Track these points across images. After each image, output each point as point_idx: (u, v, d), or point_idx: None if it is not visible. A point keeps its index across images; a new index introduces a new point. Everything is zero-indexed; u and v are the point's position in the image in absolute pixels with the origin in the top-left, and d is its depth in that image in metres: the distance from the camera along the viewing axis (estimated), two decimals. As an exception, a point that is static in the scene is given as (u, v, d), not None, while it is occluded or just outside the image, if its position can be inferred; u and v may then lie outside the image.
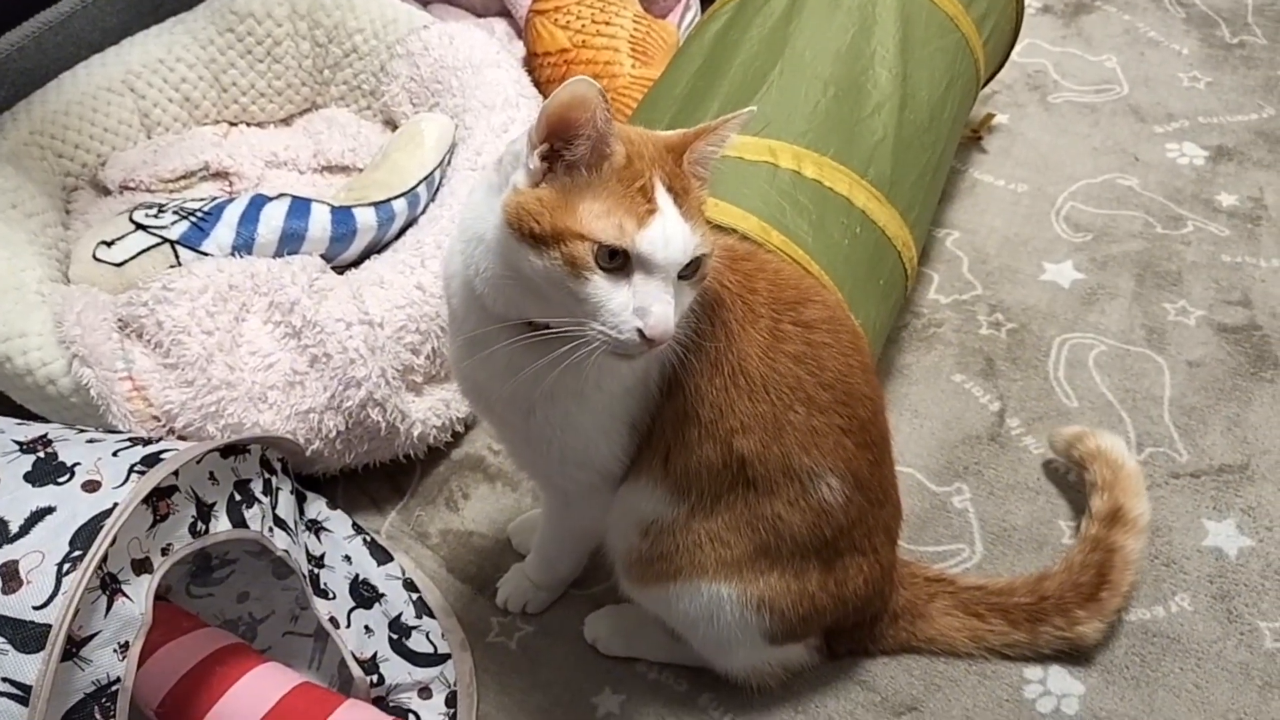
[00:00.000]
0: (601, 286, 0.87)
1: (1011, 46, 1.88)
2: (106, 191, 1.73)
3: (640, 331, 0.87)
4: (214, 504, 1.10)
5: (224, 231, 1.51)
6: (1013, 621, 1.22)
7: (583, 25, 1.89)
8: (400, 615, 1.26)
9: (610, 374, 0.98)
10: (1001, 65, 1.90)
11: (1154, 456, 1.45)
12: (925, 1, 1.55)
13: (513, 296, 0.92)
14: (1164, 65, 2.13)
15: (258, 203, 1.54)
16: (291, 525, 1.21)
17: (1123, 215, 1.81)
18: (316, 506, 1.34)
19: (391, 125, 1.87)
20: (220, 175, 1.77)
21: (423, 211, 1.64)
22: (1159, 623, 1.28)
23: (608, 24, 1.90)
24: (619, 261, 0.87)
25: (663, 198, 0.88)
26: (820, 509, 1.06)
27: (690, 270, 0.90)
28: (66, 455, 1.05)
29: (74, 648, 0.93)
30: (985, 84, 1.84)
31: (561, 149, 0.87)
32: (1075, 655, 1.24)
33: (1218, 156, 1.92)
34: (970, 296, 1.69)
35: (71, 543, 0.94)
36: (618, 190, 0.87)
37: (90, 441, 1.08)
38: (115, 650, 0.96)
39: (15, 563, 0.93)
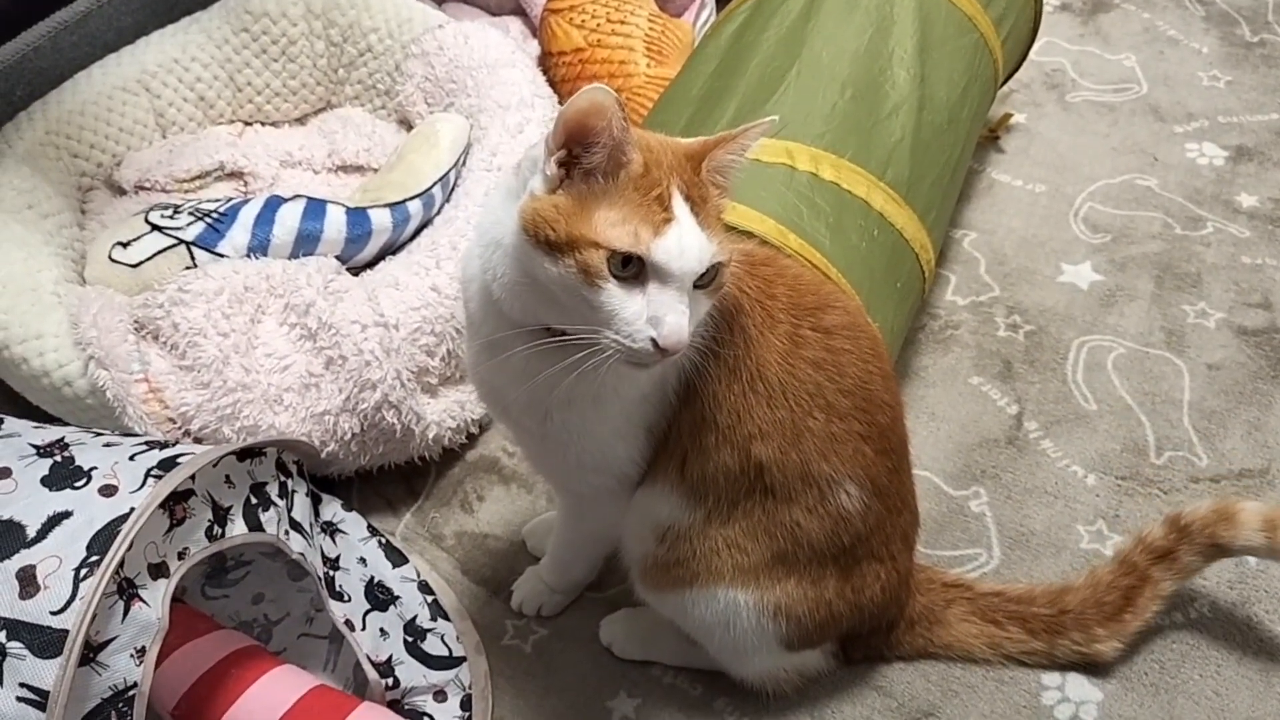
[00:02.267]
0: (616, 295, 0.86)
1: (1030, 45, 1.86)
2: (122, 192, 1.73)
3: (654, 341, 0.86)
4: (230, 507, 1.10)
5: (239, 233, 1.51)
6: (1031, 631, 1.21)
7: (598, 24, 1.88)
8: (415, 618, 1.26)
9: (627, 380, 0.98)
10: (1020, 64, 1.89)
11: (1173, 460, 1.44)
12: (943, 1, 1.53)
13: (529, 302, 0.92)
14: (1183, 64, 2.11)
15: (273, 204, 1.54)
16: (307, 528, 1.21)
17: (1141, 216, 1.80)
18: (332, 508, 1.34)
19: (406, 125, 1.87)
20: (235, 175, 1.78)
21: (438, 212, 1.64)
22: (1179, 629, 1.27)
23: (623, 23, 1.89)
24: (634, 270, 0.86)
25: (679, 207, 0.88)
26: (839, 516, 1.06)
27: (706, 279, 0.90)
28: (83, 459, 1.05)
29: (91, 653, 0.93)
30: (1003, 83, 1.83)
31: (579, 156, 0.87)
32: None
33: (1238, 157, 1.90)
34: (988, 298, 1.68)
35: (89, 547, 0.94)
36: (634, 198, 0.87)
37: (107, 445, 1.08)
38: (132, 655, 0.96)
39: (33, 567, 0.93)
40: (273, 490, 1.17)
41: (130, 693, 0.95)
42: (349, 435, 1.36)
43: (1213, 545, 1.18)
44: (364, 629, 1.19)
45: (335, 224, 1.55)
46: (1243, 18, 2.22)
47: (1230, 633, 1.26)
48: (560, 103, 1.79)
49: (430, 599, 1.30)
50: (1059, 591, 1.22)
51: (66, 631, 0.90)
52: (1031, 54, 1.90)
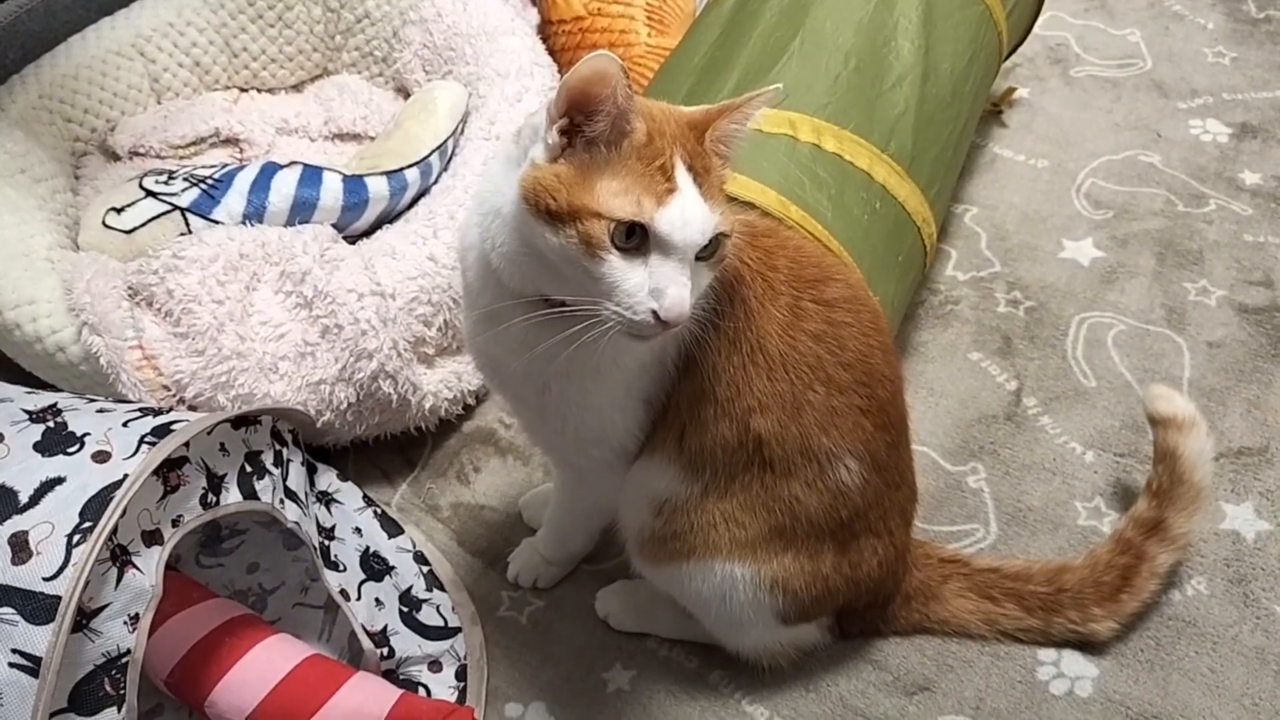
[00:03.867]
0: (617, 266, 0.85)
1: (1034, 19, 1.84)
2: (116, 157, 1.72)
3: (655, 313, 0.85)
4: (225, 475, 1.10)
5: (235, 199, 1.50)
6: (1027, 608, 1.21)
7: (598, -8, 1.86)
8: (411, 588, 1.26)
9: (627, 351, 0.97)
10: (1024, 38, 1.87)
11: (1172, 438, 1.44)
12: (949, -28, 1.52)
13: (529, 272, 0.91)
14: (1188, 40, 2.10)
15: (269, 170, 1.53)
16: (302, 497, 1.20)
17: (1144, 193, 1.79)
18: (327, 478, 1.34)
19: (404, 93, 1.85)
20: (230, 142, 1.76)
21: (435, 181, 1.63)
22: (1174, 606, 1.27)
23: (624, -9, 1.87)
24: (636, 241, 0.85)
25: (683, 177, 0.87)
26: (837, 490, 1.05)
27: (708, 251, 0.89)
28: (76, 425, 1.04)
29: (84, 619, 0.93)
30: (1008, 57, 1.82)
31: (581, 124, 0.86)
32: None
33: (1242, 134, 1.89)
34: (988, 274, 1.67)
35: (81, 514, 0.94)
36: (637, 168, 0.86)
37: (100, 411, 1.08)
38: (125, 622, 0.96)
39: (25, 533, 0.93)
40: (268, 459, 1.16)
41: (123, 660, 0.95)
42: (345, 405, 1.36)
43: (1188, 491, 1.20)
44: (359, 599, 1.19)
45: (332, 191, 1.53)
46: (1249, -7, 2.21)
47: (1226, 610, 1.26)
48: (560, 72, 1.78)
49: (426, 569, 1.29)
50: (1057, 570, 1.22)
51: (59, 598, 0.90)
52: (1036, 28, 1.88)
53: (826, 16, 1.39)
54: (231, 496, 1.09)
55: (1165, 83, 2.00)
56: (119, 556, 0.96)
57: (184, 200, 1.50)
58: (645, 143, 0.86)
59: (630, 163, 0.86)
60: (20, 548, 0.92)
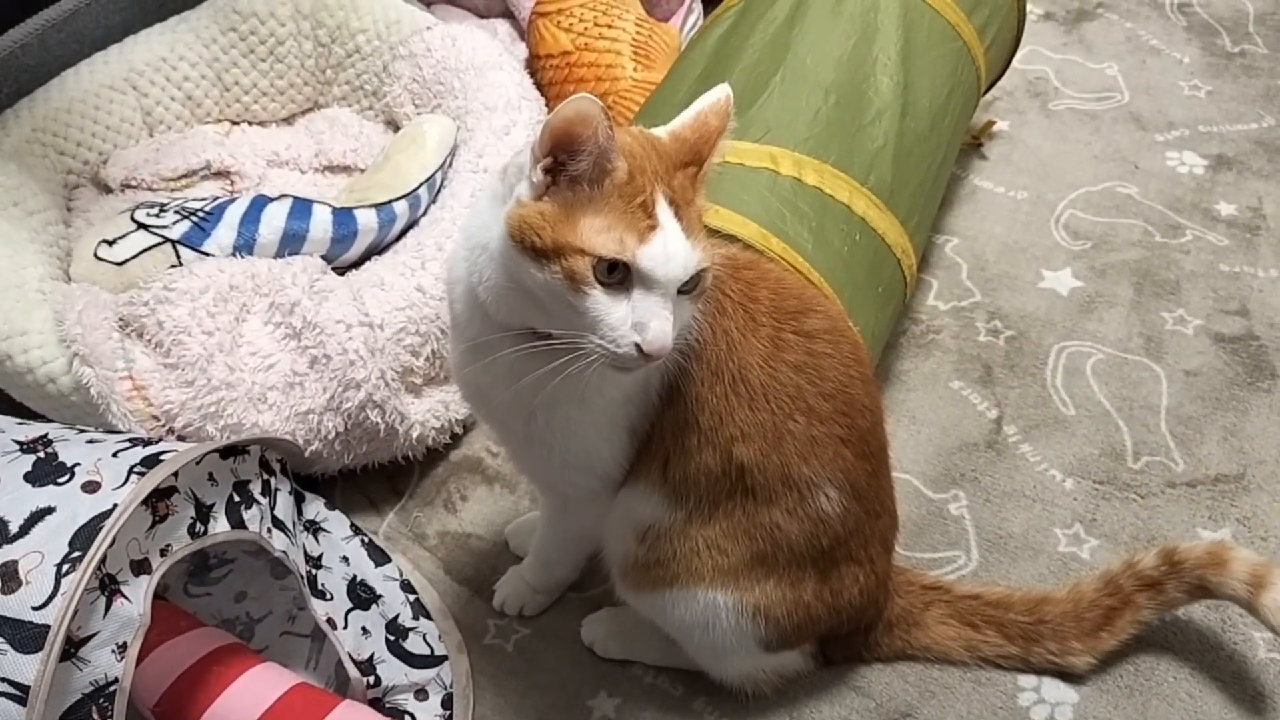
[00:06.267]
0: (601, 301, 0.87)
1: (1013, 54, 1.88)
2: (108, 190, 1.73)
3: (638, 346, 0.87)
4: (213, 505, 1.10)
5: (225, 232, 1.51)
6: (1007, 636, 1.22)
7: (585, 28, 1.89)
8: (397, 616, 1.27)
9: (611, 382, 0.98)
10: (1003, 72, 1.90)
11: (1150, 465, 1.46)
12: (927, 9, 1.55)
13: (515, 306, 0.93)
14: (1165, 73, 2.14)
15: (259, 203, 1.55)
16: (290, 526, 1.21)
17: (1122, 224, 1.82)
18: (315, 507, 1.34)
19: (393, 126, 1.88)
20: (222, 174, 1.77)
21: (424, 213, 1.64)
22: (1153, 631, 1.28)
23: (610, 27, 1.90)
24: (619, 276, 0.87)
25: (664, 213, 0.89)
26: (818, 519, 1.07)
27: (690, 285, 0.91)
28: (66, 455, 1.05)
29: (72, 648, 0.94)
30: (986, 91, 1.85)
31: (565, 163, 0.88)
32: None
33: (1217, 165, 1.92)
34: (969, 303, 1.69)
35: (71, 543, 0.95)
36: (619, 206, 0.87)
37: (90, 442, 1.09)
38: (113, 651, 0.96)
39: (15, 563, 0.94)
40: (255, 488, 1.17)
41: (111, 688, 0.95)
42: (333, 434, 1.37)
43: (1199, 586, 1.18)
44: (346, 627, 1.20)
45: (321, 224, 1.55)
46: (1224, 28, 2.25)
47: (1204, 636, 1.28)
48: (547, 105, 1.80)
49: (412, 598, 1.30)
50: (1038, 600, 1.23)
51: (48, 627, 0.90)
52: (1015, 62, 1.91)
53: (807, 53, 1.42)
54: (219, 526, 1.10)
55: (1143, 115, 2.03)
56: (108, 586, 0.97)
57: (175, 233, 1.51)
58: (626, 180, 0.88)
59: (613, 200, 0.88)
60: (10, 577, 0.93)
